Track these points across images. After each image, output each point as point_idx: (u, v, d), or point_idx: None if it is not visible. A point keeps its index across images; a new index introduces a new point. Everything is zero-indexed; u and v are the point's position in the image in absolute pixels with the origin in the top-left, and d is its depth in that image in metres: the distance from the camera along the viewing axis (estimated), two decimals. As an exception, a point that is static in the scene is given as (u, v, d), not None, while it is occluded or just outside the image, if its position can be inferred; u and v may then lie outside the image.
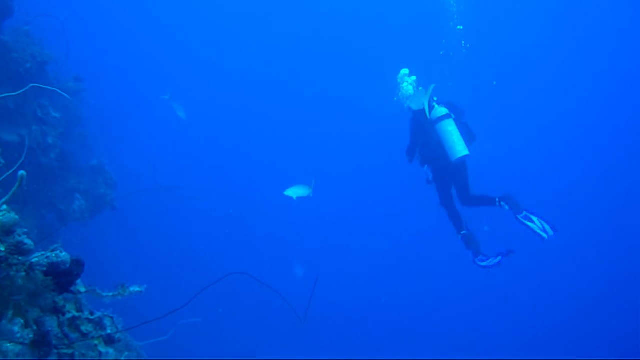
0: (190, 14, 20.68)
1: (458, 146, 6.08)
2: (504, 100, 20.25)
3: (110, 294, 2.98)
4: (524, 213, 6.22)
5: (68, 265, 2.70)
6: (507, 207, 6.28)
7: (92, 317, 2.81)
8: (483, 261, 6.29)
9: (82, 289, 2.85)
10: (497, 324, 16.61)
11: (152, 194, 9.73)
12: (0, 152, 5.33)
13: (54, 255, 2.62)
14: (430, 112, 6.33)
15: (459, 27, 13.97)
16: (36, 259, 2.53)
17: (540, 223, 6.14)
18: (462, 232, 6.48)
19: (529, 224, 6.16)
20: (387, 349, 15.87)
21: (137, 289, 3.03)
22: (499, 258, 6.26)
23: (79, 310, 2.81)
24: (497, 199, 6.36)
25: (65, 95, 5.86)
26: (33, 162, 7.64)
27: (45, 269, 2.56)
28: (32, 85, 3.48)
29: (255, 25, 21.02)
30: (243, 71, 20.86)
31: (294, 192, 6.89)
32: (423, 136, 6.46)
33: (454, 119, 6.27)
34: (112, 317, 2.91)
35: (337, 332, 15.76)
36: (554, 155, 20.99)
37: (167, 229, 15.31)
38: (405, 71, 6.89)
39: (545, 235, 6.09)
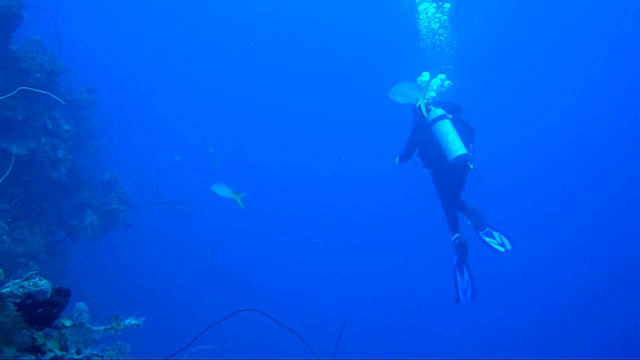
0: (202, 21, 20.60)
1: (454, 146, 5.90)
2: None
3: (102, 327, 2.54)
4: (487, 229, 6.10)
5: (49, 296, 2.27)
6: (469, 222, 6.21)
7: (77, 357, 2.37)
8: (461, 270, 6.20)
9: (68, 323, 2.41)
10: (496, 324, 16.35)
11: (163, 210, 9.40)
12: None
13: (31, 284, 2.20)
14: (427, 114, 6.19)
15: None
16: (8, 289, 2.11)
17: (500, 238, 6.03)
18: (455, 236, 6.38)
19: (488, 239, 6.05)
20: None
21: (133, 321, 2.59)
22: (467, 277, 6.18)
23: (63, 348, 2.36)
24: (465, 211, 6.28)
25: (60, 100, 5.53)
26: (42, 176, 7.33)
27: (19, 300, 2.13)
28: (20, 88, 3.13)
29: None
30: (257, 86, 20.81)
31: (220, 189, 6.40)
32: (422, 139, 6.37)
33: (452, 119, 6.13)
34: (101, 356, 2.46)
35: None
36: (563, 144, 20.68)
37: (179, 245, 15.02)
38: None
39: (502, 249, 5.97)
